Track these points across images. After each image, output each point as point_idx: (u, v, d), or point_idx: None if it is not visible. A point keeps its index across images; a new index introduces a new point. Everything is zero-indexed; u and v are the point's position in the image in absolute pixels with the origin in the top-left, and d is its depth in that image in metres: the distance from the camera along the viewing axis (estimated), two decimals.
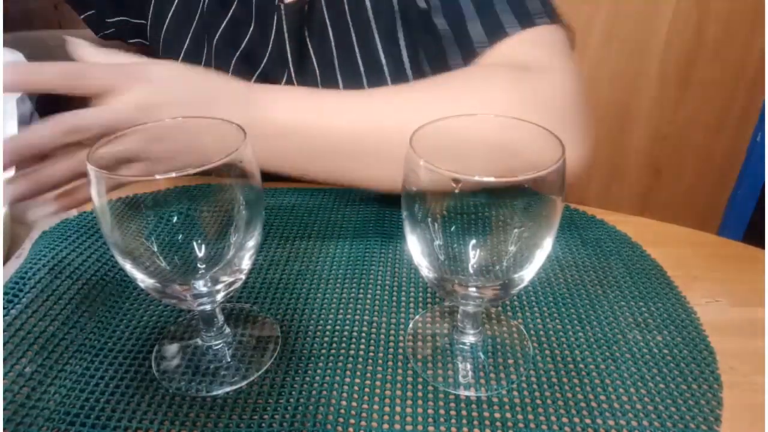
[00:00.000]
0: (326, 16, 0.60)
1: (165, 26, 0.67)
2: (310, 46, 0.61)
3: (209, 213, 0.35)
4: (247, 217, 0.34)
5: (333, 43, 0.60)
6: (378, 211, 0.56)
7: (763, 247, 0.51)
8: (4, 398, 0.34)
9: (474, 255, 0.34)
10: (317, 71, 0.61)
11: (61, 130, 0.38)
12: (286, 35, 0.61)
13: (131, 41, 0.76)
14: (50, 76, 0.40)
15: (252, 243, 0.35)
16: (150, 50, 0.72)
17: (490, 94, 0.47)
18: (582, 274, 0.47)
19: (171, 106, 0.41)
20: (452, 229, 0.34)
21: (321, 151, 0.46)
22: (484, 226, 0.34)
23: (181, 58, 0.66)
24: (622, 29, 1.26)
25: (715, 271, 0.48)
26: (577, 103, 0.49)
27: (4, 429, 0.33)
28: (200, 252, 0.35)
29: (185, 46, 0.66)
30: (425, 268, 0.35)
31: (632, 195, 1.51)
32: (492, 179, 0.29)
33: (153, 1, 0.68)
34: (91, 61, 0.44)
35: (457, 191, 0.31)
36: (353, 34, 0.59)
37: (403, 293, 0.44)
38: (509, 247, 0.34)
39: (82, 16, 0.74)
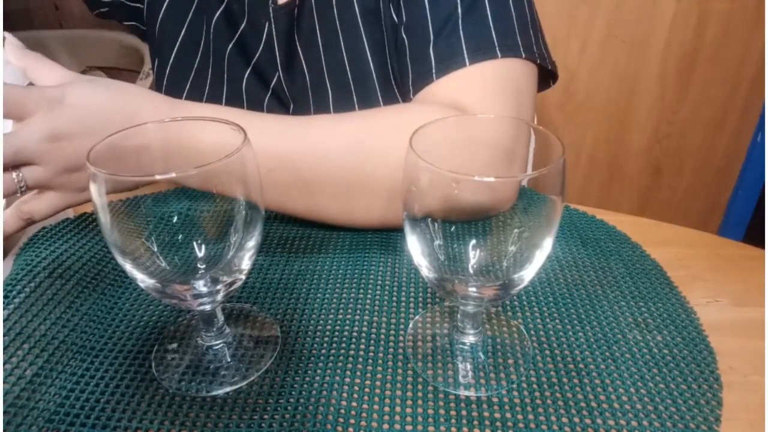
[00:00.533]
0: (315, 20, 0.60)
1: (161, 13, 0.67)
2: (299, 48, 0.61)
3: (209, 213, 0.35)
4: (247, 217, 0.34)
5: (321, 47, 0.60)
6: None
7: (763, 247, 0.51)
8: (5, 400, 0.34)
9: (474, 255, 0.34)
10: (306, 74, 0.61)
11: None
12: (275, 36, 0.61)
13: (126, 23, 0.75)
14: None
15: (252, 243, 0.35)
16: (146, 34, 0.72)
17: (411, 122, 0.42)
18: (582, 274, 0.47)
19: (81, 138, 0.40)
20: (452, 229, 0.34)
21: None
22: (484, 226, 0.34)
23: (177, 46, 0.66)
24: (622, 29, 1.26)
25: (715, 271, 0.48)
26: (502, 150, 0.43)
27: (4, 430, 0.33)
28: (200, 252, 0.35)
29: (181, 35, 0.66)
30: (425, 268, 0.35)
31: (632, 195, 1.51)
32: (492, 179, 0.29)
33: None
34: (13, 62, 0.43)
35: (457, 191, 0.31)
36: (341, 39, 0.59)
37: (403, 293, 0.44)
38: (509, 247, 0.34)
39: None
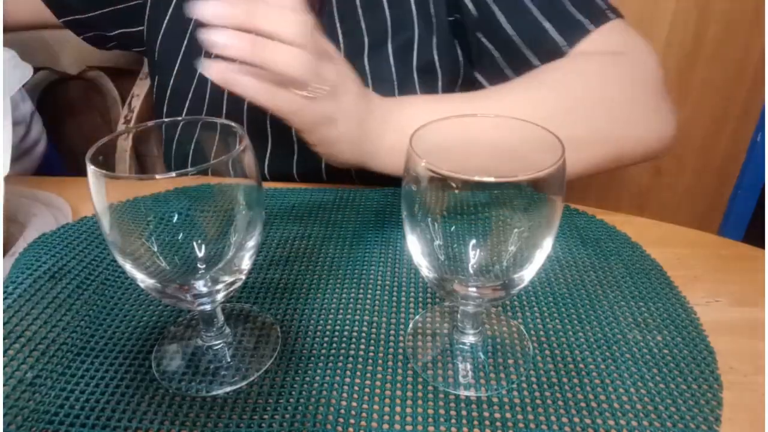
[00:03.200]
0: (337, 22, 0.60)
1: (160, 35, 0.67)
2: (336, 16, 0.60)
3: (209, 213, 0.35)
4: (247, 217, 0.34)
5: (342, 51, 0.60)
6: (378, 211, 0.56)
7: (763, 247, 0.51)
8: (5, 403, 0.34)
9: (474, 255, 0.34)
10: (341, 43, 0.60)
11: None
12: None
13: (135, 50, 0.75)
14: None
15: (252, 243, 0.35)
16: (146, 54, 0.72)
17: (590, 76, 0.50)
18: (582, 274, 0.47)
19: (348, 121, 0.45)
20: (452, 229, 0.34)
21: None
22: (484, 226, 0.34)
23: (176, 68, 0.66)
24: None
25: (715, 271, 0.48)
26: (663, 80, 0.54)
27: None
28: (200, 252, 0.35)
29: (179, 57, 0.66)
30: (425, 268, 0.35)
31: (632, 195, 1.51)
32: (492, 179, 0.29)
33: (148, 10, 0.68)
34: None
35: (457, 191, 0.31)
36: (366, 42, 0.59)
37: (403, 293, 0.44)
38: (509, 247, 0.34)
39: (82, 37, 0.73)
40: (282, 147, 0.63)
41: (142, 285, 0.34)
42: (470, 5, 0.58)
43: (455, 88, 0.63)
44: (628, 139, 0.51)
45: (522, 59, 0.57)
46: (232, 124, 0.34)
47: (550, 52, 0.55)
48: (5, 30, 0.62)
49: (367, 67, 0.60)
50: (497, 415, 0.34)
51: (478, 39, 0.60)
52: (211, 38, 0.38)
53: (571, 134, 0.48)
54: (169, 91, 0.66)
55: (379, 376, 0.37)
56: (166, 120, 0.37)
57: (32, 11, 0.69)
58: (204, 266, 0.35)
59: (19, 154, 0.86)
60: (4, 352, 0.37)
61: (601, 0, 0.57)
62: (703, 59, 1.30)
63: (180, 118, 0.37)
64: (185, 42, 0.65)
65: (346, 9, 0.60)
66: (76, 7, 0.68)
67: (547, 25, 0.55)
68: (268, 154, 0.63)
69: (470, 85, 0.64)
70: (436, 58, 0.60)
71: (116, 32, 0.71)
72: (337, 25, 0.60)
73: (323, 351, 0.39)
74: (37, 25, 0.72)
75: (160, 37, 0.67)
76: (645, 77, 0.53)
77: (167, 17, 0.66)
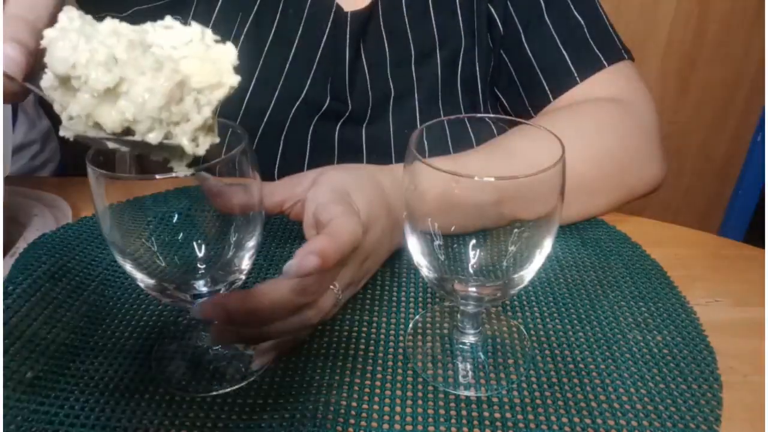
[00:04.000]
0: (383, 29, 0.60)
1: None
2: (364, 59, 0.60)
3: (209, 213, 0.35)
4: (247, 217, 0.34)
5: (388, 58, 0.60)
6: None
7: (763, 247, 0.51)
8: (5, 403, 0.34)
9: (474, 255, 0.34)
10: (369, 87, 0.60)
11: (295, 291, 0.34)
12: (347, 43, 0.59)
13: None
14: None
15: (252, 243, 0.35)
16: None
17: (603, 127, 0.53)
18: (582, 274, 0.47)
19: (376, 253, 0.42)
20: (452, 229, 0.34)
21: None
22: None
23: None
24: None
25: (715, 271, 0.48)
26: (659, 127, 0.57)
27: None
28: (200, 252, 0.35)
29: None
30: (425, 268, 0.35)
31: None
32: (492, 179, 0.29)
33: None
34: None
35: (456, 191, 0.31)
36: (413, 52, 0.60)
37: (403, 293, 0.44)
38: (509, 247, 0.34)
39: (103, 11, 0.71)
40: (294, 149, 0.62)
41: (142, 285, 0.34)
42: (499, 22, 0.60)
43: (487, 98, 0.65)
44: (634, 185, 0.54)
45: (536, 82, 0.59)
46: (233, 124, 0.34)
47: (562, 82, 0.58)
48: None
49: (414, 75, 0.61)
50: (497, 415, 0.34)
51: (500, 55, 0.61)
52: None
53: (587, 183, 0.50)
54: None
55: (379, 376, 0.37)
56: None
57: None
58: (204, 266, 0.35)
59: (29, 171, 0.86)
60: (4, 352, 0.37)
61: (618, 38, 0.59)
62: (703, 59, 1.30)
63: None
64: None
65: (394, 23, 0.60)
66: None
67: (564, 53, 0.58)
68: (279, 156, 0.62)
69: (494, 100, 0.66)
70: (477, 69, 0.62)
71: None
72: (384, 37, 0.60)
73: (323, 351, 0.39)
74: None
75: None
76: (648, 126, 0.55)
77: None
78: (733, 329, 0.41)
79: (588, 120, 0.54)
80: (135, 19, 0.27)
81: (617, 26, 0.61)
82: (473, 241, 0.34)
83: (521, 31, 0.59)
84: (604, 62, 0.57)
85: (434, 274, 0.35)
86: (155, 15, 0.28)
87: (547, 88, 0.58)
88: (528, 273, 0.34)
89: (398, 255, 0.49)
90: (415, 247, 0.35)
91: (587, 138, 0.52)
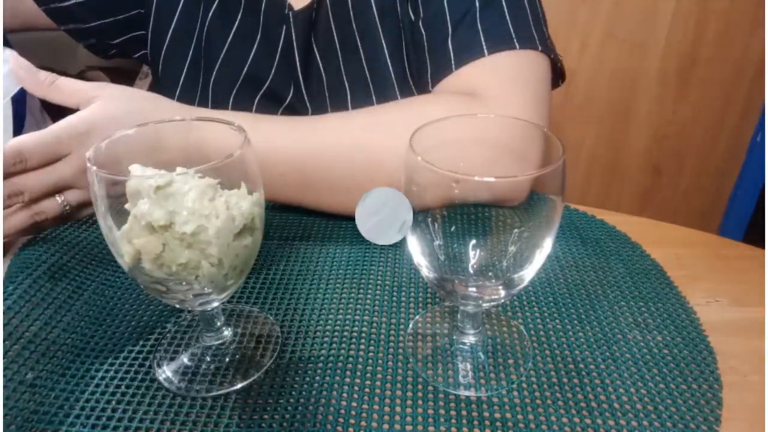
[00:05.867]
0: (332, 23, 0.60)
1: (165, 44, 0.66)
2: (316, 52, 0.61)
3: None
4: (248, 217, 0.34)
5: (339, 50, 0.60)
6: None
7: (763, 247, 0.51)
8: (5, 404, 0.34)
9: (474, 255, 0.34)
10: (324, 80, 0.61)
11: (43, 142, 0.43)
12: (294, 42, 0.61)
13: (135, 56, 0.75)
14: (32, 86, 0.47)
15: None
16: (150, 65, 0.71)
17: (427, 113, 0.43)
18: (582, 274, 0.47)
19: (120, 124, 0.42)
20: (452, 229, 0.34)
21: (268, 175, 0.46)
22: (484, 226, 0.34)
23: (182, 78, 0.66)
24: (622, 29, 1.26)
25: (715, 271, 0.48)
26: (514, 136, 0.43)
27: None
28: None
29: (185, 68, 0.66)
30: (425, 268, 0.35)
31: (632, 195, 1.51)
32: (492, 179, 0.29)
33: (152, 22, 0.67)
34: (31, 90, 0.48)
35: (457, 191, 0.31)
36: (359, 40, 0.59)
37: (403, 293, 0.44)
38: (509, 247, 0.34)
39: (83, 44, 0.73)
40: None
41: (142, 285, 0.34)
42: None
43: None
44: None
45: (422, 62, 0.55)
46: (233, 123, 0.34)
47: (441, 67, 0.53)
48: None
49: (364, 65, 0.60)
50: (497, 415, 0.34)
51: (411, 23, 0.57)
52: None
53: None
54: (176, 100, 0.67)
55: (379, 376, 0.37)
56: (166, 120, 0.37)
57: (25, 20, 0.68)
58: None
59: None
60: (5, 353, 0.37)
61: (524, 25, 0.52)
62: (703, 59, 1.30)
63: (180, 118, 0.37)
64: (190, 52, 0.65)
65: (340, 14, 0.60)
66: (78, 17, 0.68)
67: (447, 35, 0.52)
68: None
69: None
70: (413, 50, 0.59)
71: (118, 41, 0.70)
72: (333, 30, 0.60)
73: (323, 351, 0.39)
74: (33, 29, 0.71)
75: (164, 49, 0.66)
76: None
77: (171, 29, 0.66)
78: (733, 329, 0.41)
79: (420, 112, 0.48)
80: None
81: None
82: (473, 241, 0.34)
83: (420, 8, 0.55)
84: (483, 51, 0.50)
85: (434, 274, 0.35)
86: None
87: (429, 71, 0.55)
88: (528, 273, 0.34)
89: (398, 255, 0.49)
90: (415, 247, 0.35)
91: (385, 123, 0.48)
